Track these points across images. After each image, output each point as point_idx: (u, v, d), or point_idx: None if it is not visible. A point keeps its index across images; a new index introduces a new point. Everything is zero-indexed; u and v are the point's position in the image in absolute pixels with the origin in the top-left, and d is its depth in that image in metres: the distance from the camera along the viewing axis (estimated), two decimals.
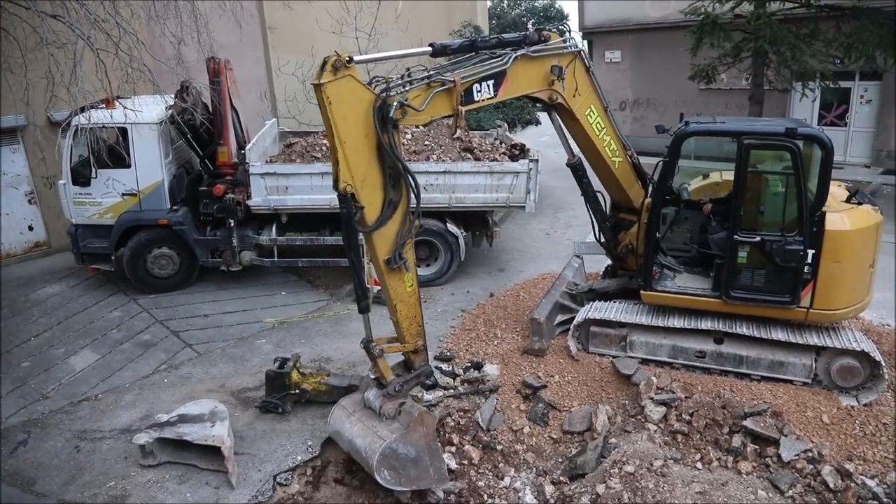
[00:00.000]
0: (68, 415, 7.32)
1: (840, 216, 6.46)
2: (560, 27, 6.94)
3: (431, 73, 5.61)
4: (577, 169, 7.56)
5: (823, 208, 6.37)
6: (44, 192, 12.29)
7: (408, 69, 5.59)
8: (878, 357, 6.55)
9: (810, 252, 6.43)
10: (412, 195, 5.48)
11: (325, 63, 4.85)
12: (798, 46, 12.51)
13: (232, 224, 10.12)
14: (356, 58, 4.97)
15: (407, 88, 5.33)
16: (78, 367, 8.37)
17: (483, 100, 6.00)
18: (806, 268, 6.48)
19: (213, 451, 6.10)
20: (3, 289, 10.92)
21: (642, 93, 20.45)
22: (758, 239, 6.55)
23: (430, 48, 5.70)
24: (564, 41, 6.63)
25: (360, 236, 5.65)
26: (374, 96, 5.12)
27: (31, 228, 12.50)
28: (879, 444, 6.08)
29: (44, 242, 12.68)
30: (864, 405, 6.55)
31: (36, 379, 8.10)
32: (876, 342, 7.21)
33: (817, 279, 6.51)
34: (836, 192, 6.81)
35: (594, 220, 7.86)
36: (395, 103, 5.13)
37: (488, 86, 5.96)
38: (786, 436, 5.95)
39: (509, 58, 6.06)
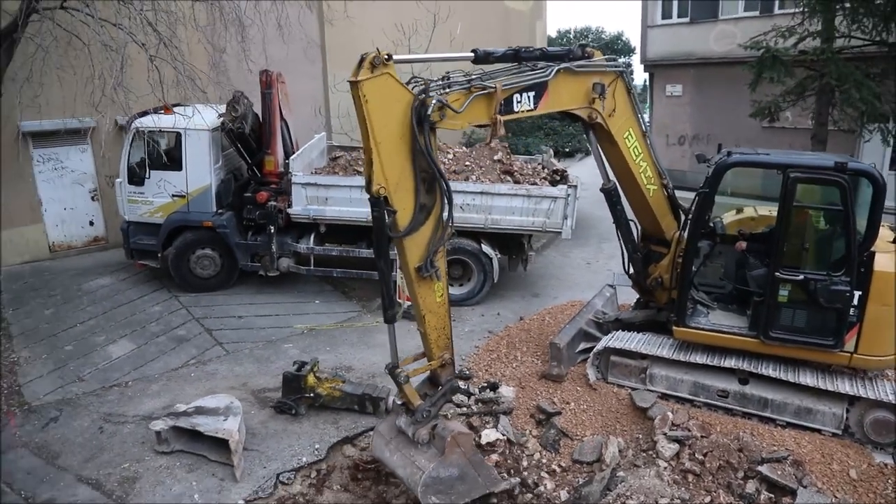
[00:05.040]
0: (98, 398, 7.69)
1: (889, 257, 6.11)
2: (613, 55, 6.78)
3: (472, 77, 5.46)
4: (611, 194, 7.33)
5: (872, 248, 6.06)
6: (106, 190, 13.01)
7: (447, 73, 5.38)
8: None
9: (857, 293, 6.10)
10: (446, 201, 5.23)
11: (362, 60, 4.69)
12: (866, 85, 12.00)
13: (272, 231, 10.45)
14: (395, 56, 4.83)
15: (446, 91, 5.18)
16: (114, 354, 8.79)
17: (522, 111, 5.80)
18: (851, 310, 6.14)
19: (224, 444, 6.26)
20: (59, 277, 11.61)
21: (702, 128, 19.98)
22: (801, 277, 6.24)
23: (472, 53, 5.54)
24: (608, 59, 6.50)
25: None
26: (413, 96, 4.94)
27: (91, 223, 13.26)
28: None
29: (102, 237, 13.41)
30: None
31: (75, 362, 8.55)
32: None
33: (863, 322, 6.16)
34: (882, 232, 6.46)
35: (625, 249, 7.68)
36: (433, 102, 4.94)
37: (529, 97, 5.79)
38: (805, 487, 5.61)
39: (552, 70, 5.89)
